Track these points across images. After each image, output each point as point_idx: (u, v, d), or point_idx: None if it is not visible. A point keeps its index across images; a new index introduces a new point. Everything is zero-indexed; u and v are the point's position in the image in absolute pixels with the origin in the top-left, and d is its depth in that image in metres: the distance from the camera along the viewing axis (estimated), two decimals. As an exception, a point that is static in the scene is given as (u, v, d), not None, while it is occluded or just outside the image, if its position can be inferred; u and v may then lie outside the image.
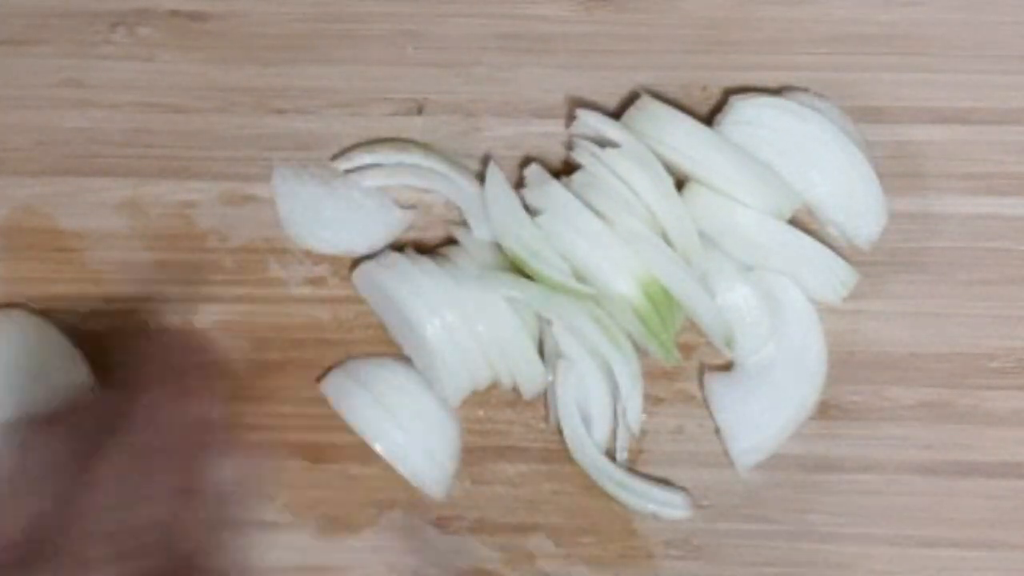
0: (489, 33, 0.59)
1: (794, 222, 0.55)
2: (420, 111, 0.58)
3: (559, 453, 0.56)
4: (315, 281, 0.58)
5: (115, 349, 0.57)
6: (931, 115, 0.58)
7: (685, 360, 0.57)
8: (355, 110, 0.59)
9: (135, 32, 0.59)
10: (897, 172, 0.56)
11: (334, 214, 0.57)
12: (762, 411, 0.55)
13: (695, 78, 0.58)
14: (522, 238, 0.54)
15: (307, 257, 0.58)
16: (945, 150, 0.58)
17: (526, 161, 0.58)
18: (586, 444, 0.55)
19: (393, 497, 0.56)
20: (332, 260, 0.57)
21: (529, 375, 0.55)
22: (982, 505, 0.56)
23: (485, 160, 0.58)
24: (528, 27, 0.59)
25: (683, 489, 0.56)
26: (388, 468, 0.56)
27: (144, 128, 0.59)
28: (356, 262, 0.57)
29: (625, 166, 0.54)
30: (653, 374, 0.56)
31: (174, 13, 0.60)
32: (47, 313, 0.57)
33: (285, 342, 0.57)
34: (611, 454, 0.56)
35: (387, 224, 0.57)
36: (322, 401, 0.56)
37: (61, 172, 0.59)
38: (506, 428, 0.56)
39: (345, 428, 0.56)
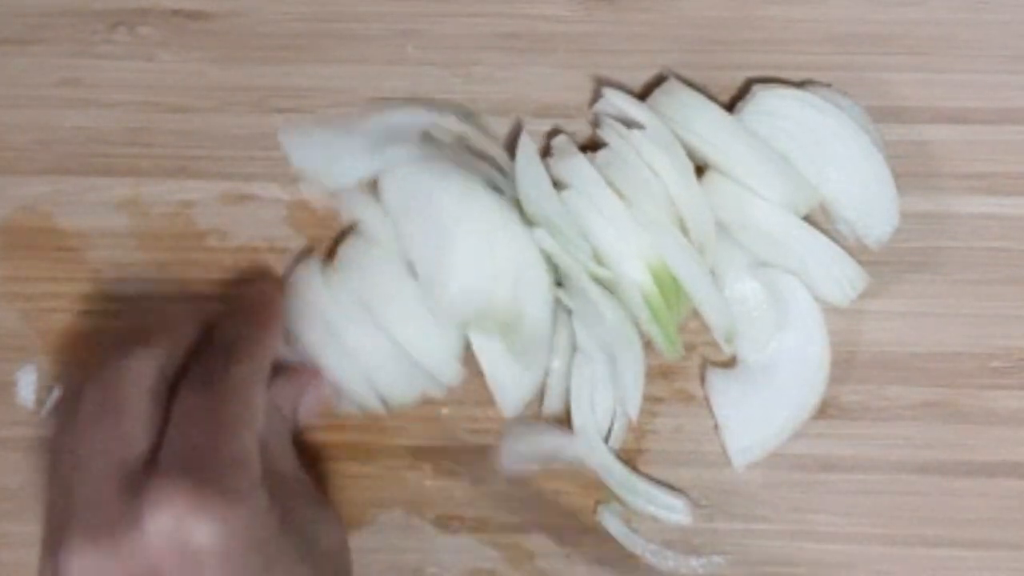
0: (489, 33, 0.59)
1: (805, 218, 0.55)
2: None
3: (559, 453, 0.56)
4: (315, 280, 0.58)
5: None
6: (933, 115, 0.58)
7: (686, 359, 0.57)
8: (355, 109, 0.59)
9: (135, 32, 0.59)
10: (899, 171, 0.56)
11: (346, 150, 0.57)
12: (762, 409, 0.55)
13: (696, 78, 0.58)
14: (547, 214, 0.53)
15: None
16: (947, 150, 0.58)
17: (553, 132, 0.58)
18: (596, 440, 0.55)
19: (393, 497, 0.56)
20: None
21: (537, 310, 0.53)
22: (982, 505, 0.56)
23: (516, 129, 0.57)
24: (528, 27, 0.58)
25: (684, 494, 0.56)
26: (388, 468, 0.56)
27: (144, 128, 0.59)
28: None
29: (649, 148, 0.54)
30: (653, 374, 0.56)
31: (174, 12, 0.59)
32: (48, 312, 0.57)
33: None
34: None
35: (401, 154, 0.56)
36: (322, 401, 0.57)
37: (61, 171, 0.59)
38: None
39: (345, 428, 0.56)
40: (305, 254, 0.57)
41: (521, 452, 0.56)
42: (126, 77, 0.59)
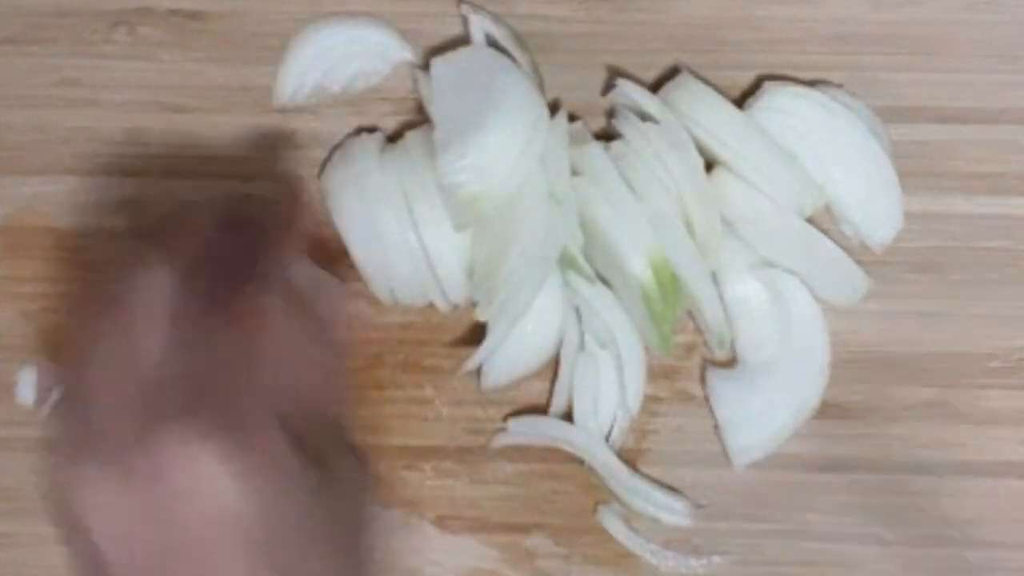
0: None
1: (809, 218, 0.55)
2: (420, 111, 0.58)
3: (559, 453, 0.56)
4: (315, 280, 0.58)
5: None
6: (934, 114, 0.58)
7: (686, 359, 0.57)
8: (355, 110, 0.59)
9: (135, 31, 0.59)
10: (900, 171, 0.56)
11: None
12: (762, 409, 0.55)
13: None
14: (562, 195, 0.53)
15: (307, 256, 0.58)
16: (947, 149, 0.58)
17: (570, 119, 0.57)
18: (597, 441, 0.55)
19: (393, 497, 0.56)
20: (332, 259, 0.57)
21: (531, 233, 0.53)
22: (982, 505, 0.56)
23: (555, 106, 0.57)
24: (529, 27, 0.58)
25: (684, 494, 0.56)
26: (388, 468, 0.56)
27: (144, 127, 0.59)
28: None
29: (661, 143, 0.54)
30: (653, 374, 0.56)
31: (174, 12, 0.59)
32: (48, 312, 0.58)
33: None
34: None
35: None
36: (322, 401, 0.57)
37: (61, 171, 0.59)
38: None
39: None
40: (370, 129, 0.58)
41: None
42: (126, 77, 0.59)
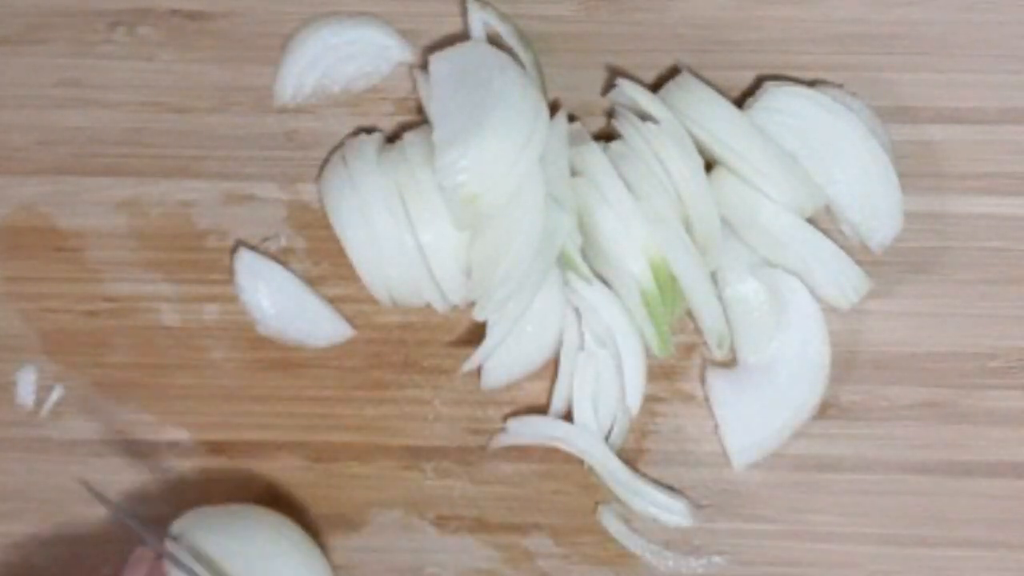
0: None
1: (809, 219, 0.55)
2: (420, 111, 0.58)
3: (559, 453, 0.56)
4: (315, 280, 0.58)
5: (115, 349, 0.57)
6: (933, 114, 0.58)
7: (686, 360, 0.57)
8: (355, 110, 0.59)
9: (135, 32, 0.59)
10: (900, 171, 0.56)
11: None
12: (762, 410, 0.55)
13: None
14: (561, 195, 0.53)
15: (307, 256, 0.58)
16: (947, 149, 0.58)
17: (569, 120, 0.57)
18: (597, 441, 0.55)
19: (393, 497, 0.56)
20: (332, 259, 0.57)
21: (526, 242, 0.52)
22: (982, 505, 0.56)
23: (555, 106, 0.57)
24: (528, 27, 0.58)
25: (684, 494, 0.56)
26: (388, 468, 0.56)
27: (144, 128, 0.59)
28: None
29: (661, 143, 0.54)
30: (654, 374, 0.56)
31: (174, 12, 0.59)
32: (48, 312, 0.58)
33: (285, 341, 0.57)
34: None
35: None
36: (322, 401, 0.57)
37: (61, 171, 0.59)
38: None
39: (345, 428, 0.56)
40: (369, 130, 0.58)
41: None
42: (126, 77, 0.59)
